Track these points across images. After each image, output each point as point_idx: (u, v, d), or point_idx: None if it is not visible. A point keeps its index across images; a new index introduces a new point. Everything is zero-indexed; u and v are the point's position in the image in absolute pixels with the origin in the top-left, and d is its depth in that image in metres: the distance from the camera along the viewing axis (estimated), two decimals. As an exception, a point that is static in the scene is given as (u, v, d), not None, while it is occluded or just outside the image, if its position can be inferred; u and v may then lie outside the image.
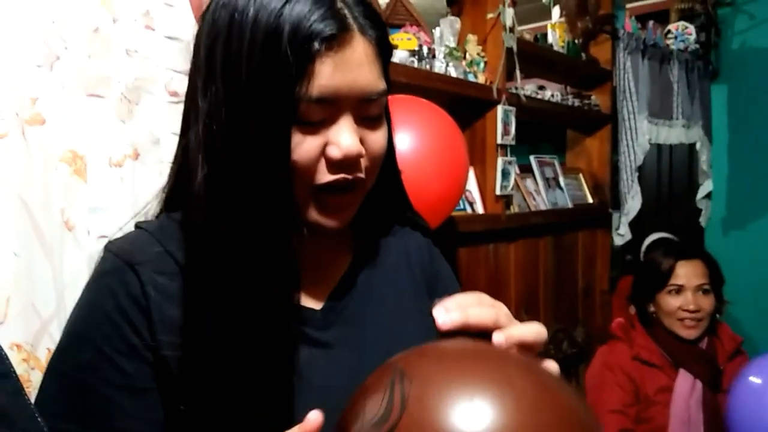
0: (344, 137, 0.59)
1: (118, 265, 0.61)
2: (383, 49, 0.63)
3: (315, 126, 0.59)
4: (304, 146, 0.58)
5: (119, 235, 0.67)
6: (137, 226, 0.67)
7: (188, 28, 1.24)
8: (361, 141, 0.61)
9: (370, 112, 0.62)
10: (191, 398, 0.58)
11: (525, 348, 0.53)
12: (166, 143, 1.22)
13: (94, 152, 1.13)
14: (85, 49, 1.12)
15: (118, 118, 1.18)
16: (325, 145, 0.59)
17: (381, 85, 0.62)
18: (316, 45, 0.56)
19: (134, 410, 0.59)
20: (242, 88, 0.57)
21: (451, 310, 0.53)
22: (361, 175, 0.62)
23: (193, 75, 0.63)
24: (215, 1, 0.62)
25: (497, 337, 0.52)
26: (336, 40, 0.57)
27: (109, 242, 0.65)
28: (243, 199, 0.58)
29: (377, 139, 0.63)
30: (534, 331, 0.54)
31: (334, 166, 0.60)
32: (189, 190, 0.61)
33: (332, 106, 0.58)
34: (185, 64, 1.23)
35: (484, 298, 0.56)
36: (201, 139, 0.60)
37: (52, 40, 1.08)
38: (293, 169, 0.59)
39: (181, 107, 0.68)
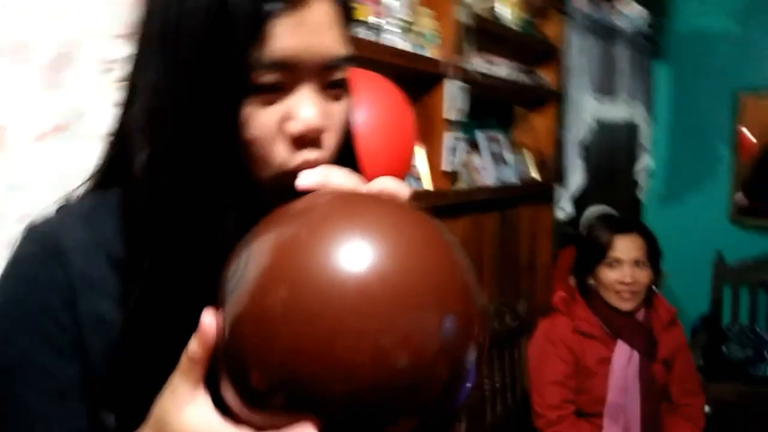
0: (304, 108, 0.53)
1: (41, 252, 0.55)
2: (346, 10, 0.57)
3: (271, 95, 0.53)
4: (261, 120, 0.52)
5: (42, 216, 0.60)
6: (62, 206, 0.60)
7: (120, -9, 1.15)
8: (323, 114, 0.54)
9: (331, 80, 0.55)
10: (120, 404, 0.54)
11: (391, 197, 0.51)
12: (95, 117, 1.14)
13: (13, 124, 1.05)
14: (9, 10, 1.02)
15: (42, 87, 1.09)
16: (283, 119, 0.53)
17: (344, 49, 0.55)
18: (270, 5, 0.51)
19: (57, 417, 0.54)
20: (186, 56, 0.52)
21: (314, 172, 0.51)
22: (322, 155, 0.55)
23: (133, 42, 0.57)
24: None
25: (360, 183, 0.51)
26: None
27: (31, 224, 0.58)
28: (191, 183, 0.53)
29: (341, 111, 0.57)
30: (395, 180, 0.52)
31: (294, 142, 0.53)
32: (128, 172, 0.55)
33: (290, 74, 0.52)
34: (120, 28, 1.15)
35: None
36: (142, 114, 0.54)
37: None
38: (250, 149, 0.53)
39: (112, 77, 0.61)
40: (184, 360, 0.47)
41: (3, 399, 0.54)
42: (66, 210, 0.59)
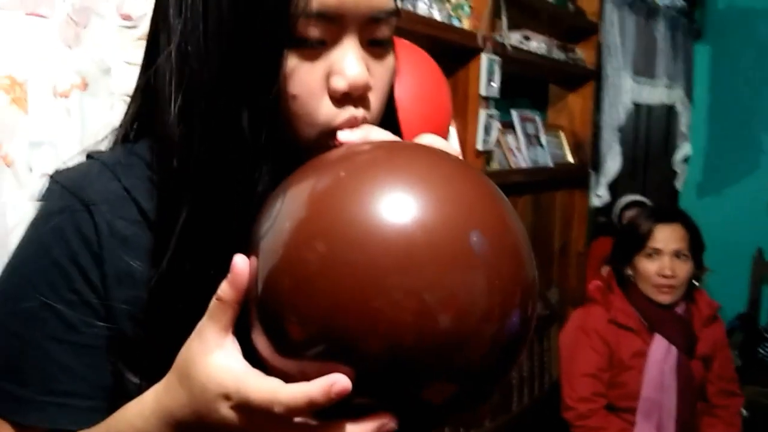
0: (350, 64, 0.50)
1: (69, 201, 0.53)
2: None
3: (315, 49, 0.50)
4: (303, 75, 0.50)
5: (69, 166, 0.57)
6: (89, 155, 0.57)
7: (145, -58, 1.10)
8: (368, 71, 0.52)
9: (377, 34, 0.52)
10: (145, 365, 0.52)
11: None
12: (118, 73, 1.09)
13: (35, 80, 1.00)
14: (23, -41, 0.97)
15: (63, 43, 1.04)
16: (327, 75, 0.51)
17: (390, 2, 0.52)
18: None
19: (79, 370, 0.52)
20: (225, 6, 0.49)
21: (356, 130, 0.50)
22: (368, 115, 0.53)
23: None
24: None
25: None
26: None
27: (57, 172, 0.56)
28: (225, 138, 0.50)
29: (385, 70, 0.54)
30: (442, 140, 0.50)
31: (338, 99, 0.51)
32: (159, 128, 0.52)
33: (335, 26, 0.50)
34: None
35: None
36: (173, 65, 0.51)
37: (-18, -55, 0.94)
38: (292, 104, 0.51)
39: (134, 33, 0.57)
40: (213, 303, 0.45)
41: (23, 347, 0.52)
42: (94, 161, 0.56)
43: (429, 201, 0.39)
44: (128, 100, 0.60)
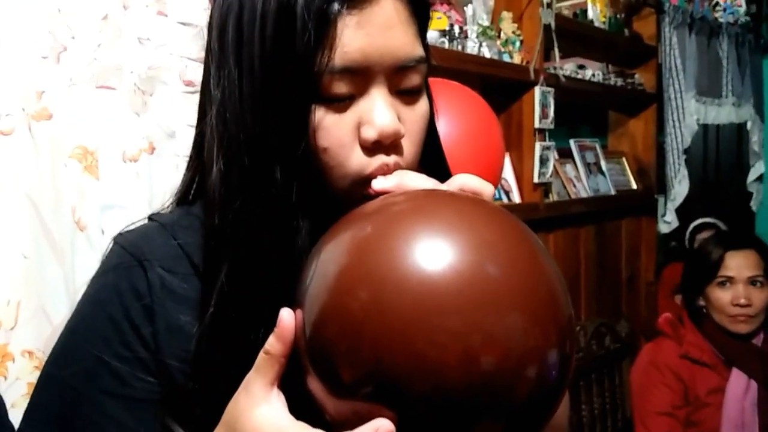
0: (379, 114, 0.50)
1: (126, 259, 0.56)
2: (418, 9, 0.54)
3: (343, 103, 0.51)
4: (333, 128, 0.51)
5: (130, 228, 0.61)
6: (150, 218, 0.61)
7: (202, 13, 1.17)
8: (399, 119, 0.52)
9: (406, 83, 0.53)
10: (193, 415, 0.53)
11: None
12: (182, 136, 1.16)
13: (106, 147, 1.08)
14: (94, 39, 1.06)
15: (132, 111, 1.12)
16: (357, 125, 0.51)
17: (417, 50, 0.53)
18: (336, 6, 0.49)
19: (130, 424, 0.54)
20: (256, 67, 0.51)
21: (389, 177, 0.51)
22: (401, 160, 0.53)
23: (207, 61, 0.57)
24: None
25: (437, 185, 0.50)
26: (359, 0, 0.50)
27: (119, 234, 0.59)
28: (262, 195, 0.52)
29: (417, 115, 0.54)
30: (475, 178, 0.50)
31: (369, 148, 0.51)
32: (205, 186, 0.55)
33: (361, 78, 0.51)
34: (200, 51, 1.16)
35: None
36: (215, 129, 0.54)
37: (58, 30, 1.02)
38: (323, 157, 0.51)
39: (196, 97, 0.62)
40: (260, 357, 0.46)
41: (79, 401, 0.54)
42: (152, 222, 0.60)
43: (459, 247, 0.40)
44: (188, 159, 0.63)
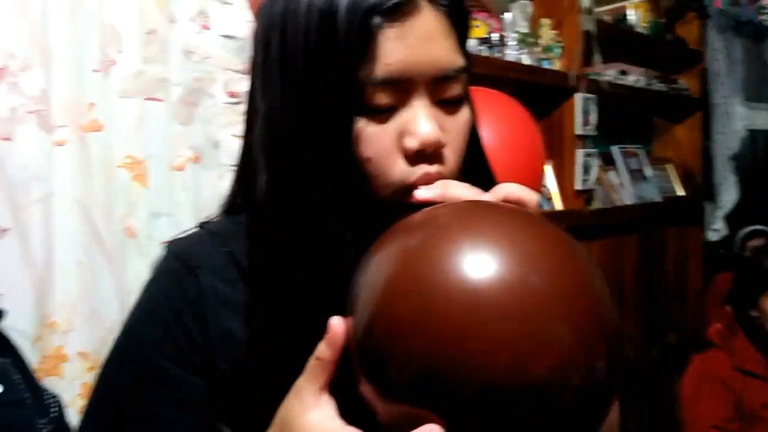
0: (420, 124, 0.51)
1: (177, 266, 0.57)
2: (458, 20, 0.54)
3: (385, 114, 0.51)
4: (375, 138, 0.51)
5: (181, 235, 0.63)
6: (200, 225, 0.62)
7: (245, 26, 1.20)
8: (441, 128, 0.52)
9: (447, 93, 0.53)
10: (241, 419, 0.54)
11: (516, 204, 0.50)
12: (226, 146, 1.19)
13: (153, 157, 1.11)
14: (142, 52, 1.09)
15: (178, 122, 1.15)
16: (399, 135, 0.52)
17: (458, 60, 0.53)
18: (377, 19, 0.49)
19: (179, 425, 0.55)
20: (299, 80, 0.52)
21: (432, 187, 0.51)
22: (443, 169, 0.53)
23: (252, 74, 0.59)
24: None
25: (480, 194, 0.50)
26: (399, 11, 0.50)
27: (171, 241, 0.61)
28: (307, 205, 0.53)
29: (459, 124, 0.55)
30: (520, 187, 0.50)
31: (412, 158, 0.52)
32: (252, 195, 0.56)
33: (402, 89, 0.51)
34: (243, 63, 1.19)
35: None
36: (261, 140, 0.56)
37: (107, 45, 1.06)
38: (366, 167, 0.52)
39: (240, 108, 0.63)
40: (311, 363, 0.47)
41: (132, 405, 0.56)
42: (203, 230, 0.61)
43: (503, 260, 0.41)
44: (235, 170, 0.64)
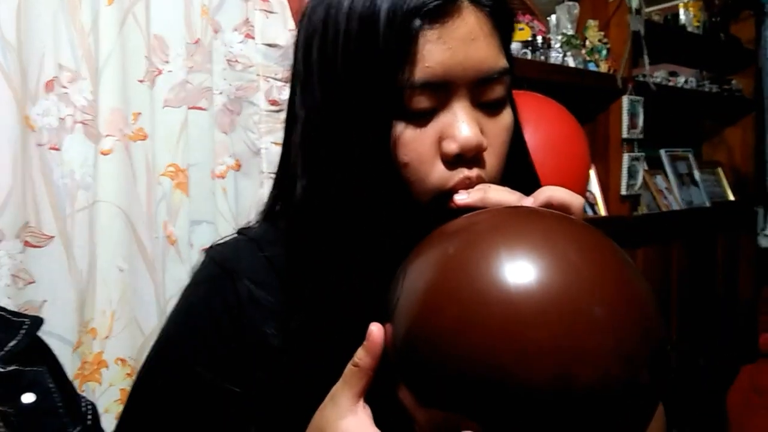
0: (460, 127, 0.50)
1: (216, 272, 0.57)
2: (501, 21, 0.53)
3: (425, 117, 0.51)
4: (414, 143, 0.51)
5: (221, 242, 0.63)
6: (239, 232, 0.63)
7: (287, 34, 1.20)
8: (482, 131, 0.51)
9: (489, 95, 0.52)
10: (273, 425, 0.54)
11: (560, 208, 0.48)
12: (267, 153, 1.19)
13: (195, 165, 1.12)
14: (187, 62, 1.11)
15: (220, 130, 1.16)
16: (439, 139, 0.51)
17: (500, 61, 0.52)
18: (418, 21, 0.49)
19: (215, 431, 0.55)
20: (339, 85, 0.51)
21: (472, 191, 0.50)
22: (483, 173, 0.52)
23: (293, 81, 0.59)
24: (312, 1, 0.56)
25: (521, 198, 0.49)
26: (441, 13, 0.49)
27: (211, 247, 0.61)
28: (346, 210, 0.52)
29: (501, 128, 0.53)
30: (563, 190, 0.49)
31: (451, 162, 0.51)
32: (290, 201, 0.57)
33: (443, 92, 0.50)
34: (284, 72, 1.19)
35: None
36: (300, 146, 0.56)
37: (153, 55, 1.08)
38: (404, 172, 0.51)
39: (281, 116, 0.63)
40: (348, 369, 0.47)
41: (166, 412, 0.56)
42: (242, 236, 0.61)
43: (543, 268, 0.40)
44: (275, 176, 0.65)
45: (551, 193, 0.49)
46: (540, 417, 0.39)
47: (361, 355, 0.46)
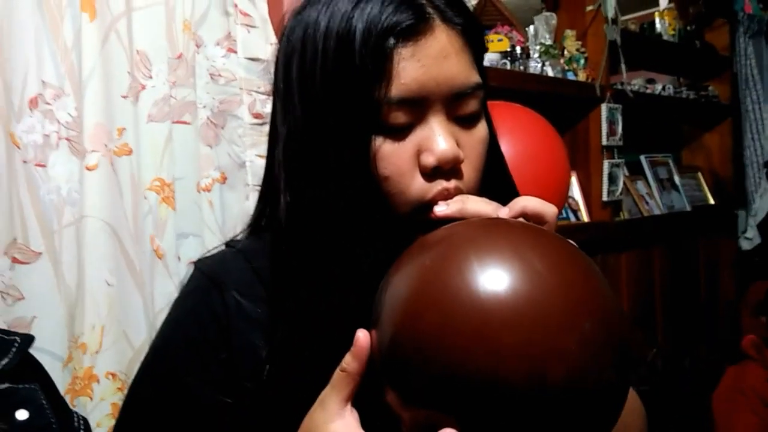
0: (437, 140, 0.52)
1: (204, 283, 0.59)
2: (472, 38, 0.56)
3: (403, 132, 0.52)
4: (392, 157, 0.53)
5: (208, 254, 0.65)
6: (227, 244, 0.64)
7: (270, 48, 1.22)
8: (458, 144, 0.53)
9: (464, 110, 0.54)
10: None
11: (534, 217, 0.51)
12: (252, 166, 1.20)
13: (181, 179, 1.13)
14: (170, 77, 1.12)
15: (205, 143, 1.17)
16: (418, 152, 0.53)
17: (473, 77, 0.54)
18: (392, 40, 0.51)
19: None
20: (318, 102, 0.53)
21: (451, 203, 0.52)
22: (461, 185, 0.54)
23: (274, 98, 0.60)
24: (291, 19, 0.58)
25: (498, 208, 0.51)
26: (414, 32, 0.51)
27: (199, 260, 0.63)
28: (327, 225, 0.54)
29: (476, 140, 0.55)
30: (537, 200, 0.51)
31: (429, 174, 0.53)
32: (275, 215, 0.58)
33: (419, 108, 0.52)
34: (268, 85, 1.21)
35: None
36: (282, 161, 0.57)
37: (136, 70, 1.09)
38: (384, 185, 0.53)
39: (265, 129, 0.65)
40: (337, 374, 0.48)
41: (157, 423, 0.57)
42: (230, 248, 0.63)
43: (514, 277, 0.43)
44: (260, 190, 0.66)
45: (525, 203, 0.51)
46: (514, 412, 0.42)
47: (348, 361, 0.48)
